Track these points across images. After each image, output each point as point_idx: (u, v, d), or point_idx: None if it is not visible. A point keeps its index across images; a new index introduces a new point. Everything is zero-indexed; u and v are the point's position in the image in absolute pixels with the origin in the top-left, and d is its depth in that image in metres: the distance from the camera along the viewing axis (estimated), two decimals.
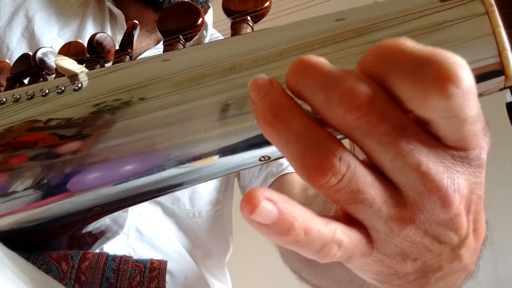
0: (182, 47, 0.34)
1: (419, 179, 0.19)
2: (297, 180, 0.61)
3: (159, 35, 0.72)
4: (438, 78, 0.16)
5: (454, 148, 0.19)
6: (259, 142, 0.27)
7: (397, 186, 0.20)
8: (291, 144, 0.19)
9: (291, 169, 0.63)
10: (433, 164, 0.19)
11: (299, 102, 0.19)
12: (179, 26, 0.35)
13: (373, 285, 0.24)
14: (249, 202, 0.17)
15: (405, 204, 0.20)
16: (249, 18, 0.33)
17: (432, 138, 0.19)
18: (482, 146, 0.20)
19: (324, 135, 0.19)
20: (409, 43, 0.18)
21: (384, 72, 0.18)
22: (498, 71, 0.23)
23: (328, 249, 0.19)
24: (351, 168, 0.19)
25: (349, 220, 0.21)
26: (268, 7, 0.33)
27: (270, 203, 0.18)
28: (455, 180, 0.19)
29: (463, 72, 0.16)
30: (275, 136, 0.19)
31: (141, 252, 0.62)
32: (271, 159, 0.28)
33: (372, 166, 0.20)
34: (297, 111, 0.19)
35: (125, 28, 0.69)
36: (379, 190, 0.19)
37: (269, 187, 0.66)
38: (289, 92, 0.20)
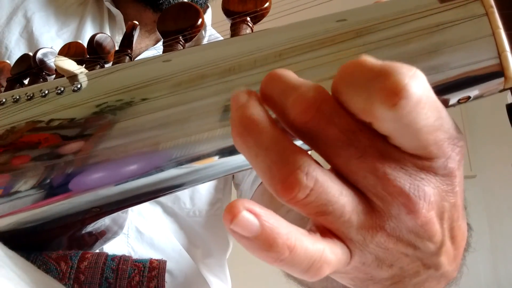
0: (181, 47, 0.34)
1: (378, 183, 0.19)
2: None
3: (158, 35, 0.73)
4: (383, 89, 0.17)
5: (415, 157, 0.19)
6: None
7: (363, 192, 0.20)
8: (260, 157, 0.19)
9: None
10: (392, 169, 0.19)
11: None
12: (179, 26, 0.35)
13: None
14: (229, 211, 0.17)
15: (374, 211, 0.20)
16: (248, 19, 0.33)
17: (391, 146, 0.19)
18: (448, 155, 0.20)
19: (292, 149, 0.19)
20: (367, 60, 0.18)
21: (343, 89, 0.19)
22: (498, 72, 0.23)
23: (317, 268, 0.19)
24: (318, 183, 0.18)
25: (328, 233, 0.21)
26: (267, 8, 0.33)
27: (251, 215, 0.17)
28: (419, 187, 0.19)
29: (411, 82, 0.17)
30: (245, 148, 0.19)
31: (141, 251, 0.62)
32: None
33: (339, 175, 0.20)
34: (267, 124, 0.19)
35: (124, 28, 0.70)
36: (348, 198, 0.19)
37: (260, 184, 0.66)
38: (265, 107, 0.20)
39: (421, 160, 0.20)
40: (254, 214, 0.17)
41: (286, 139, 0.19)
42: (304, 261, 0.18)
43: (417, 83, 0.17)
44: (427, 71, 0.23)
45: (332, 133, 0.19)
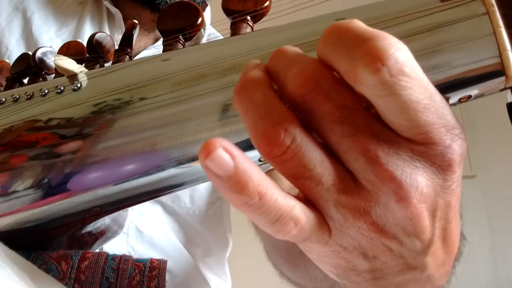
0: (181, 46, 0.34)
1: (369, 166, 0.19)
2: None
3: (157, 34, 0.73)
4: (368, 54, 0.17)
5: (411, 140, 0.19)
6: None
7: (352, 173, 0.20)
8: (249, 113, 0.20)
9: None
10: (385, 153, 0.19)
11: None
12: (179, 25, 0.35)
13: (344, 284, 0.24)
14: (205, 147, 0.18)
15: (359, 193, 0.20)
16: (248, 18, 0.33)
17: (387, 129, 0.19)
18: (447, 144, 0.19)
19: (279, 109, 0.19)
20: (356, 24, 0.19)
21: (330, 52, 0.19)
22: (498, 71, 0.23)
23: (284, 223, 0.19)
24: (296, 141, 0.19)
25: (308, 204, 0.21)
26: (267, 7, 0.33)
27: (227, 154, 0.18)
28: (412, 175, 0.19)
29: (396, 52, 0.17)
30: (239, 105, 0.20)
31: (141, 251, 0.62)
32: None
33: (330, 152, 0.20)
34: (262, 84, 0.20)
35: (123, 27, 0.70)
36: (329, 170, 0.19)
37: None
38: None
39: (417, 146, 0.19)
40: (230, 154, 0.18)
41: (276, 100, 0.20)
42: (272, 212, 0.19)
43: (402, 55, 0.18)
44: (428, 70, 0.23)
45: (327, 108, 0.19)
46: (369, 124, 0.19)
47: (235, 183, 0.18)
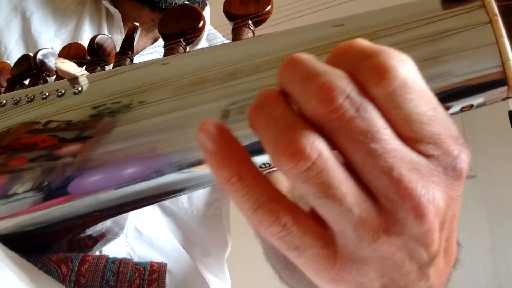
0: (183, 50, 0.34)
1: (391, 185, 0.18)
2: (284, 179, 0.60)
3: (156, 33, 0.73)
4: (370, 68, 0.18)
5: (423, 153, 0.19)
6: (260, 149, 0.27)
7: (372, 193, 0.19)
8: (269, 128, 0.19)
9: None
10: (407, 170, 0.18)
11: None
12: (180, 29, 0.35)
13: None
14: (202, 123, 0.20)
15: (379, 212, 0.19)
16: (250, 22, 0.33)
17: (406, 144, 0.19)
18: (454, 155, 0.19)
19: (301, 123, 0.19)
20: (360, 41, 0.19)
21: (336, 66, 0.19)
22: (501, 81, 0.22)
23: (266, 211, 0.19)
24: (322, 157, 0.18)
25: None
26: (269, 12, 0.33)
27: (217, 132, 0.19)
28: (430, 190, 0.19)
29: (397, 64, 0.18)
30: (256, 120, 0.20)
31: (140, 251, 0.62)
32: (272, 166, 0.28)
33: (351, 170, 0.19)
34: (280, 101, 0.20)
35: (122, 27, 0.70)
36: (352, 189, 0.19)
37: None
38: None
39: (430, 159, 0.19)
40: (219, 130, 0.19)
41: (296, 116, 0.19)
42: (253, 195, 0.19)
43: (403, 67, 0.18)
44: (430, 79, 0.23)
45: (355, 126, 0.18)
46: (395, 143, 0.19)
47: (220, 158, 0.19)
